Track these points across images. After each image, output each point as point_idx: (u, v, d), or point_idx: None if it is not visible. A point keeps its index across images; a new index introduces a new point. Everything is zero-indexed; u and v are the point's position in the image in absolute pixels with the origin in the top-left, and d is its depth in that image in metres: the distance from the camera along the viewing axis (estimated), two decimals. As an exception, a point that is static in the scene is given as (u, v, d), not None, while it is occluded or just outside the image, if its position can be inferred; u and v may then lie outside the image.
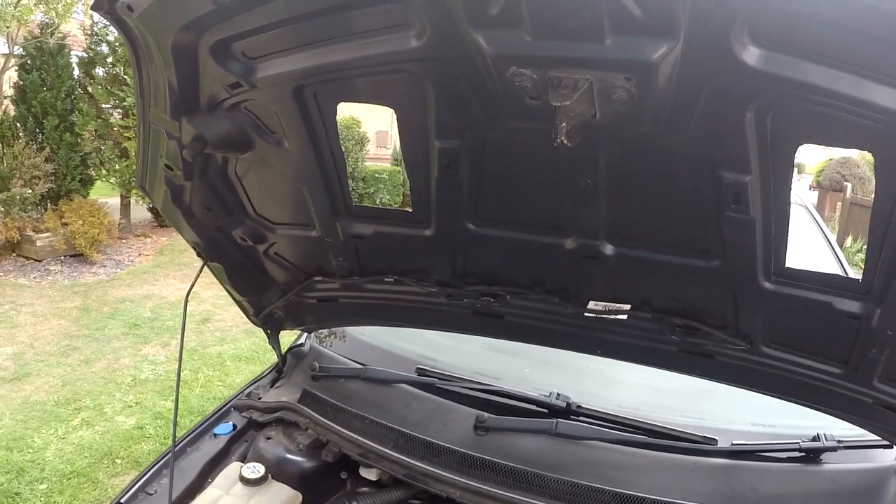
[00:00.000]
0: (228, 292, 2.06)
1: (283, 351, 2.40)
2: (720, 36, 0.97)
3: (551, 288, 1.74)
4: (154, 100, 1.40)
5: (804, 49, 0.98)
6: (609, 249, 1.54)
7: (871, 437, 1.88)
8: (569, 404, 1.98)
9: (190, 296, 1.86)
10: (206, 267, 1.90)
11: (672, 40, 0.99)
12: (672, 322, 1.68)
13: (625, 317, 1.69)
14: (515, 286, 1.77)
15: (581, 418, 1.96)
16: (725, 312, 1.62)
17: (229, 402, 2.28)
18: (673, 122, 1.15)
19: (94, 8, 1.25)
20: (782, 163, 1.21)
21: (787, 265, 1.43)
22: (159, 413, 4.68)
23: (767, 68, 1.00)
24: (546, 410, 2.00)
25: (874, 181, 1.22)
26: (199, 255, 1.86)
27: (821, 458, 1.87)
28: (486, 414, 1.92)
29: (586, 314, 1.71)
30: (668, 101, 1.11)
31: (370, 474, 1.95)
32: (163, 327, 6.43)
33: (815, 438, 1.87)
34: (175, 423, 1.81)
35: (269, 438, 2.05)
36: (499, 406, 2.02)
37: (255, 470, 1.85)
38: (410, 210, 1.67)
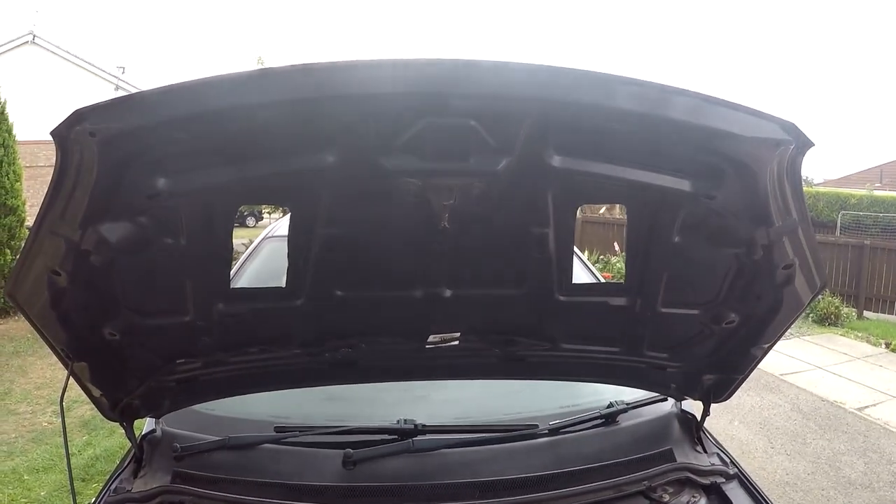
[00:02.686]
0: (86, 390, 2.06)
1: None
2: (538, 151, 1.52)
3: (398, 331, 2.08)
4: (64, 211, 1.47)
5: (583, 153, 1.57)
6: (447, 293, 1.95)
7: (650, 395, 2.48)
8: (416, 425, 2.29)
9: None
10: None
11: (510, 156, 1.52)
12: (493, 339, 2.12)
13: (457, 343, 2.08)
14: (369, 335, 2.08)
15: (427, 435, 2.28)
16: (531, 323, 2.10)
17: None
18: (503, 202, 1.66)
19: (54, 133, 1.32)
20: (569, 218, 1.80)
21: (572, 282, 1.97)
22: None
23: (564, 166, 1.56)
24: (397, 436, 2.29)
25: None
26: (63, 357, 1.89)
27: (617, 419, 2.40)
28: (350, 450, 2.18)
29: (427, 346, 2.08)
30: (502, 191, 1.61)
31: (264, 530, 2.10)
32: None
33: (610, 405, 2.42)
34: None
35: None
36: (356, 443, 2.26)
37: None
38: (284, 287, 1.91)
